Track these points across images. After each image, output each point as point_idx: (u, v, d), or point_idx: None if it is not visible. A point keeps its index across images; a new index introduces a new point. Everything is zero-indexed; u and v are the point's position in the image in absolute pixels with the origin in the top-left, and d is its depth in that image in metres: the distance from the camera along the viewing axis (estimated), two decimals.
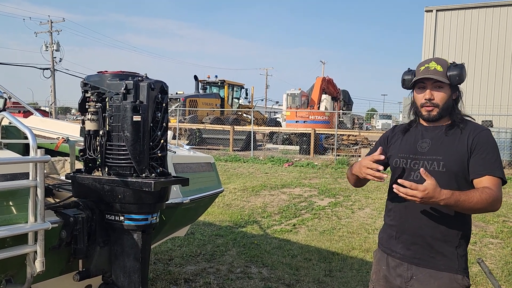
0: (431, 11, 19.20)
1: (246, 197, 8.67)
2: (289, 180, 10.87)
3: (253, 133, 16.62)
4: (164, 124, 2.20)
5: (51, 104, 29.00)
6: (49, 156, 1.81)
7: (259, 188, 9.54)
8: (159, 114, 2.19)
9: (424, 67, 1.98)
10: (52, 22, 31.81)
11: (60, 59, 31.40)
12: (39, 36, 32.61)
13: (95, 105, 2.21)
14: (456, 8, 18.81)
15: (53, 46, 31.33)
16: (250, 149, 15.90)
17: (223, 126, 18.15)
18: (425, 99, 1.97)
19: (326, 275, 4.45)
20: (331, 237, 5.96)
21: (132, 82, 2.10)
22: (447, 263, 1.90)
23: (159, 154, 2.18)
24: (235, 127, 17.56)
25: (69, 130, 3.71)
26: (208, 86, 23.04)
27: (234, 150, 16.62)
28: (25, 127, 1.82)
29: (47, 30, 31.74)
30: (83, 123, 2.27)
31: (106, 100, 2.21)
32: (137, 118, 2.09)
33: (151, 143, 2.15)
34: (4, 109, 4.46)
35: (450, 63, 1.98)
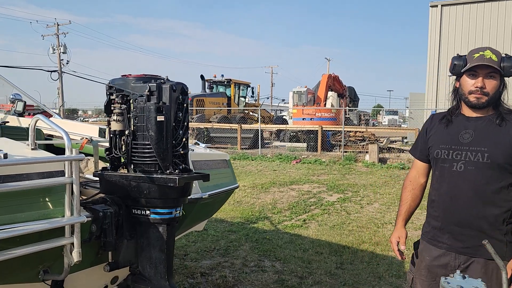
0: (436, 6, 19.19)
1: (256, 194, 8.81)
2: (298, 177, 10.99)
3: (261, 131, 16.75)
4: (185, 124, 2.33)
5: (60, 106, 29.32)
6: (83, 155, 1.95)
7: (268, 185, 9.67)
8: (181, 114, 2.31)
9: (478, 54, 1.96)
10: (58, 25, 32.13)
11: (67, 61, 31.76)
12: (46, 38, 32.93)
13: (120, 107, 2.35)
14: (461, 3, 18.78)
15: (60, 49, 31.67)
16: (258, 147, 16.04)
17: (231, 124, 18.29)
18: (476, 87, 1.95)
19: (337, 267, 4.57)
20: (341, 231, 6.08)
21: (155, 84, 2.23)
22: (495, 250, 1.93)
23: (181, 152, 2.32)
24: (242, 125, 17.69)
25: (88, 131, 3.86)
26: (214, 85, 23.19)
27: (242, 148, 16.76)
28: (60, 129, 1.96)
29: (54, 33, 32.08)
30: (109, 123, 2.41)
31: (131, 101, 2.35)
32: (160, 118, 2.22)
33: (173, 142, 2.29)
34: (23, 112, 4.62)
35: (504, 55, 1.97)
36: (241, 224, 6.41)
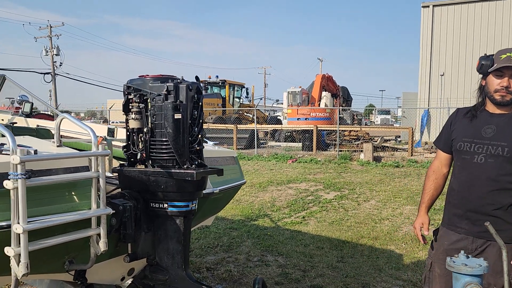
0: (428, 6, 19.45)
1: (254, 192, 8.95)
2: (295, 175, 11.14)
3: (256, 131, 16.89)
4: (200, 121, 2.47)
5: (56, 108, 29.21)
6: (109, 150, 2.08)
7: (266, 184, 9.81)
8: (196, 112, 2.45)
9: (506, 55, 2.09)
10: (51, 27, 32.02)
11: (61, 63, 31.63)
12: (38, 41, 32.79)
13: (138, 106, 2.47)
14: (452, 3, 19.06)
15: (53, 51, 31.55)
16: (254, 147, 16.18)
17: (226, 125, 18.42)
18: (502, 86, 2.09)
19: (338, 261, 4.72)
20: (340, 227, 6.23)
21: (172, 84, 2.37)
22: (509, 235, 2.07)
23: (197, 148, 2.45)
24: (238, 125, 17.83)
25: (97, 130, 3.97)
26: (209, 86, 23.29)
27: (238, 149, 16.88)
28: (87, 127, 2.08)
29: (46, 35, 31.95)
30: (127, 122, 2.53)
31: (148, 101, 2.47)
32: (178, 116, 2.35)
33: (190, 138, 2.42)
34: (31, 113, 4.72)
35: None
36: (242, 222, 6.54)
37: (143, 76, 2.50)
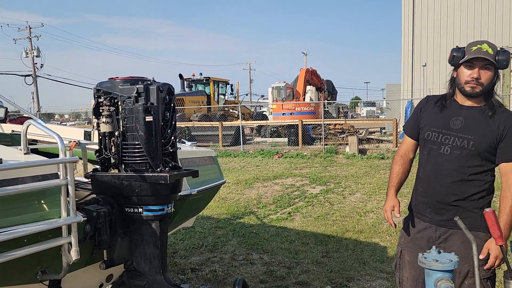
0: None
1: (240, 190, 8.92)
2: (281, 171, 11.15)
3: (242, 128, 16.85)
4: (173, 123, 2.42)
5: (37, 111, 28.77)
6: (77, 157, 2.02)
7: (252, 181, 9.79)
8: (168, 114, 2.40)
9: (476, 47, 2.11)
10: (30, 28, 31.45)
11: (42, 64, 31.13)
12: (18, 42, 32.19)
13: (109, 109, 2.41)
14: None
15: (33, 52, 31.01)
16: (240, 144, 16.14)
17: (211, 122, 18.34)
18: (472, 77, 2.11)
19: (323, 256, 4.73)
20: (326, 222, 6.25)
21: (142, 86, 2.31)
22: (471, 222, 2.11)
23: (171, 150, 2.41)
24: (223, 123, 17.77)
25: (73, 134, 3.89)
26: (193, 84, 23.18)
27: (224, 146, 16.84)
28: (53, 133, 2.02)
29: (26, 37, 31.38)
30: (98, 126, 2.47)
31: (119, 103, 2.42)
32: (149, 118, 2.30)
33: (163, 140, 2.37)
34: (5, 119, 4.60)
35: (499, 48, 2.12)
36: (228, 220, 6.51)
37: (112, 78, 2.44)
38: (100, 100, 2.45)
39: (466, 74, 2.15)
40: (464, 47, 2.20)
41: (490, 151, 2.14)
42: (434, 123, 2.27)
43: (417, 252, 2.26)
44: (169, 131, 2.40)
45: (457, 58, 2.18)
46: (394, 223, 2.39)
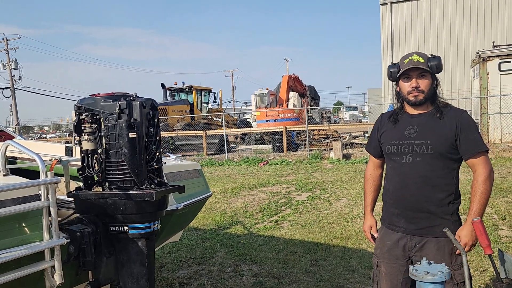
0: (386, 4, 19.90)
1: (226, 199, 8.86)
2: (266, 178, 11.13)
3: (226, 136, 16.80)
4: (157, 138, 2.38)
5: (15, 125, 28.20)
6: (59, 177, 1.96)
7: (238, 190, 9.74)
8: (152, 129, 2.36)
9: (408, 59, 2.24)
10: (7, 40, 30.90)
11: (20, 77, 30.57)
12: None
13: (91, 126, 2.36)
14: (409, 0, 19.57)
15: (10, 65, 30.46)
16: (224, 152, 16.08)
17: (195, 131, 18.24)
18: (412, 87, 2.23)
19: (312, 264, 4.71)
20: (313, 229, 6.24)
21: (125, 102, 2.27)
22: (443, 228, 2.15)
23: (156, 166, 2.37)
24: (207, 131, 17.69)
25: (54, 150, 3.80)
26: (176, 93, 23.03)
27: (209, 154, 16.75)
28: (33, 153, 1.96)
29: (3, 49, 30.81)
30: (80, 143, 2.42)
31: (101, 120, 2.37)
32: (133, 135, 2.26)
33: (147, 157, 2.33)
34: None
35: (429, 56, 2.26)
36: (215, 231, 6.44)
37: (94, 95, 2.39)
38: (81, 117, 2.40)
39: (406, 85, 2.26)
40: (398, 62, 2.32)
41: (450, 150, 2.20)
42: (391, 136, 2.36)
43: (393, 263, 2.32)
44: (153, 147, 2.36)
45: (395, 73, 2.31)
46: (374, 240, 2.50)
